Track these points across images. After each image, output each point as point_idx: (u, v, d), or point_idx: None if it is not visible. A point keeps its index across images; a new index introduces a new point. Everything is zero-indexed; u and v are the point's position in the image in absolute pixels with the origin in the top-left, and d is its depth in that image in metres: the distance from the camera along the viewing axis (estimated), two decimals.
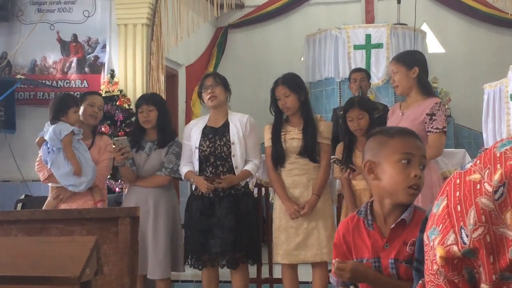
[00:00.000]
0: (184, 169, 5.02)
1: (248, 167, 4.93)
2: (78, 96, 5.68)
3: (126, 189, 5.44)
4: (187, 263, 5.06)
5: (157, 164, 5.09)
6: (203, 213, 4.90)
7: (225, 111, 5.06)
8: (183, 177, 5.08)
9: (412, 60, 4.62)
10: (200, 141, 4.95)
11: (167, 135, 5.14)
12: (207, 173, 4.92)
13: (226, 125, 4.98)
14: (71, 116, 4.92)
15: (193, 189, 5.07)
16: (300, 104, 4.90)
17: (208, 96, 4.95)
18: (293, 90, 4.85)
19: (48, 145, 4.90)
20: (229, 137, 4.92)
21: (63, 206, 4.91)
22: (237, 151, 4.91)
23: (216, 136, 4.95)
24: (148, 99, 5.21)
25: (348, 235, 2.50)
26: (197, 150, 4.94)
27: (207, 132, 4.99)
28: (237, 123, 4.97)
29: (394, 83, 4.64)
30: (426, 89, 4.63)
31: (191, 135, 5.04)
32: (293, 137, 4.89)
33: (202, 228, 4.88)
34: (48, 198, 5.05)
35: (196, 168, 4.95)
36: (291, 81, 4.94)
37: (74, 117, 4.94)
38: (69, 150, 4.85)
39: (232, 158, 4.91)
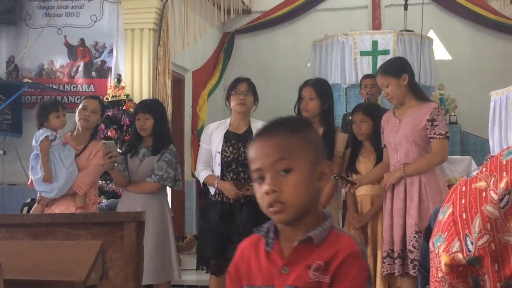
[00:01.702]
0: (203, 173, 4.99)
1: None
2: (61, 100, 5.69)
3: None
4: (201, 269, 5.01)
5: (148, 171, 5.07)
6: (223, 219, 4.87)
7: (248, 118, 5.05)
8: (201, 181, 5.05)
9: (398, 68, 4.60)
10: (223, 147, 4.93)
11: (162, 142, 5.12)
12: (228, 179, 4.88)
13: (249, 132, 4.95)
14: (52, 121, 4.94)
15: (212, 194, 5.03)
16: (321, 112, 4.88)
17: (239, 102, 4.94)
18: (319, 95, 4.85)
19: (35, 151, 4.97)
20: None
21: (46, 211, 4.92)
22: None
23: (239, 142, 4.91)
24: (144, 107, 5.19)
25: (242, 260, 1.91)
26: (219, 155, 4.92)
27: (229, 137, 4.95)
28: None
29: (387, 96, 4.61)
30: (419, 93, 4.62)
31: (212, 139, 5.01)
32: None
33: (221, 234, 4.85)
34: (36, 203, 5.08)
35: (217, 173, 4.93)
36: (320, 86, 4.94)
37: (56, 122, 4.96)
38: (43, 156, 4.88)
39: None
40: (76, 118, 5.05)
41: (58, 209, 4.91)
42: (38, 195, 5.05)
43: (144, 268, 4.88)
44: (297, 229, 1.78)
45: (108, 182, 7.01)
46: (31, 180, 5.02)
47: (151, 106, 5.22)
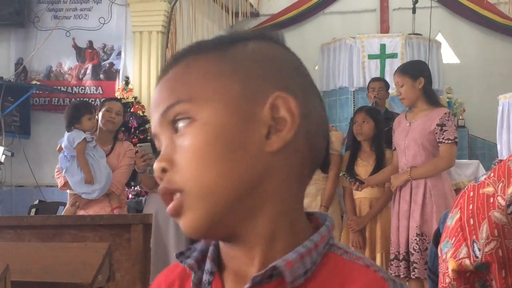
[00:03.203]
0: None
1: None
2: (93, 103, 5.70)
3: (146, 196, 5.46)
4: None
5: None
6: None
7: None
8: None
9: (416, 71, 4.61)
10: None
11: None
12: None
13: None
14: (85, 123, 4.95)
15: None
16: None
17: None
18: None
19: (65, 153, 4.95)
20: None
21: (80, 212, 4.94)
22: None
23: None
24: None
25: None
26: None
27: None
28: None
29: (400, 96, 4.62)
30: (432, 98, 4.63)
31: None
32: None
33: None
34: (67, 205, 5.09)
35: None
36: None
37: (88, 124, 4.97)
38: (82, 158, 4.88)
39: None
40: (100, 120, 5.06)
41: (93, 210, 4.92)
42: (70, 197, 5.05)
43: None
44: (252, 250, 0.88)
45: None
46: (64, 182, 5.01)
47: None
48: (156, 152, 5.16)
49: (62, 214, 5.08)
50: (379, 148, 4.89)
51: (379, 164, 4.85)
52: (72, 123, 4.95)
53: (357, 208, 4.98)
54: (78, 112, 4.98)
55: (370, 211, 4.91)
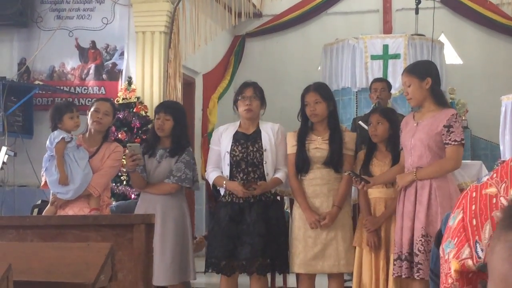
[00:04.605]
0: (213, 174, 5.02)
1: (279, 175, 4.94)
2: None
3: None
4: (210, 270, 5.01)
5: (166, 172, 5.09)
6: (233, 220, 4.89)
7: (257, 121, 5.08)
8: (211, 182, 5.08)
9: (424, 71, 4.60)
10: (231, 146, 4.95)
11: (180, 145, 5.14)
12: (238, 179, 4.91)
13: (257, 132, 4.99)
14: (67, 122, 4.96)
15: (222, 195, 5.05)
16: (328, 113, 4.92)
17: (245, 108, 4.96)
18: (324, 98, 4.89)
19: (48, 153, 4.98)
20: (262, 144, 4.93)
21: (60, 212, 4.94)
22: (269, 158, 4.92)
23: (248, 142, 4.95)
24: (166, 107, 5.22)
25: None
26: (228, 155, 4.94)
27: (238, 137, 4.99)
28: (269, 131, 4.98)
29: (407, 96, 4.62)
30: (440, 99, 4.61)
31: (221, 140, 5.04)
32: (316, 146, 4.89)
33: (231, 234, 4.87)
34: (49, 205, 5.10)
35: (226, 173, 4.94)
36: (323, 89, 4.99)
37: (70, 123, 4.98)
38: (59, 158, 4.89)
39: (264, 165, 4.92)
40: (89, 121, 5.06)
41: (72, 210, 4.92)
42: (51, 196, 5.06)
43: (165, 269, 4.97)
44: None
45: (118, 184, 7.03)
46: (45, 181, 5.04)
47: (173, 108, 5.26)
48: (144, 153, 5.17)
49: (43, 213, 5.10)
50: (395, 149, 4.89)
51: (395, 164, 4.84)
52: (54, 123, 4.98)
53: (372, 208, 4.97)
54: (59, 112, 5.00)
55: (385, 211, 4.90)
